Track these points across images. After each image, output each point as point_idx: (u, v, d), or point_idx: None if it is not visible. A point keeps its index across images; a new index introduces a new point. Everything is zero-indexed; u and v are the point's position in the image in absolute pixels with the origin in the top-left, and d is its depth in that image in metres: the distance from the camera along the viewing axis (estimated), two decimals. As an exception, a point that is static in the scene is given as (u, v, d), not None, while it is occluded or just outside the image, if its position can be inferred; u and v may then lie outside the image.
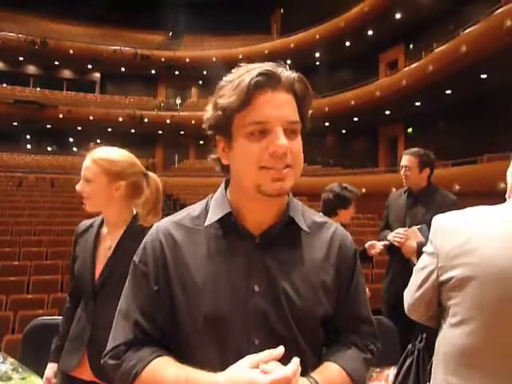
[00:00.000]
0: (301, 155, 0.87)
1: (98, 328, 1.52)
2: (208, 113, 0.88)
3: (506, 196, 1.19)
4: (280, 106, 0.83)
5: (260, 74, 0.82)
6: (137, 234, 1.57)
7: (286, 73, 0.86)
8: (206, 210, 0.95)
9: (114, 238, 1.61)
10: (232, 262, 0.89)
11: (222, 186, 0.96)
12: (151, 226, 1.62)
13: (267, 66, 0.85)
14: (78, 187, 1.60)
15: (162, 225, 0.95)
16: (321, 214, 1.04)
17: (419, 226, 2.45)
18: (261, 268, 0.88)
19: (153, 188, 1.64)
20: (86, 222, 1.72)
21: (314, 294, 0.90)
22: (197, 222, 0.93)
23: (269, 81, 0.83)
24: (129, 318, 0.90)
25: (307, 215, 0.98)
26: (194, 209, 0.97)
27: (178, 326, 0.89)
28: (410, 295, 1.23)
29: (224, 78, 0.88)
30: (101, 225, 1.67)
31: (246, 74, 0.83)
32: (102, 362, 0.92)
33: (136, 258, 0.95)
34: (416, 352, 1.54)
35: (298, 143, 0.86)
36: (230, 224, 0.90)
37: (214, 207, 0.93)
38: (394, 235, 2.66)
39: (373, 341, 1.00)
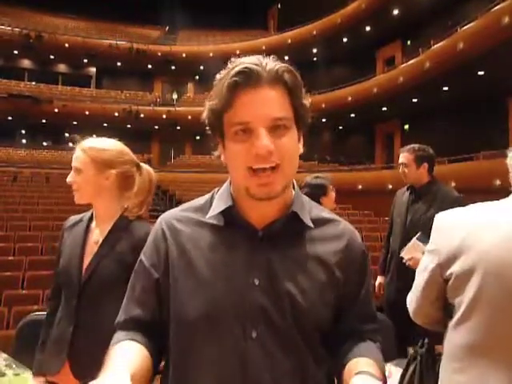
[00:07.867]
0: (292, 151, 0.84)
1: (80, 328, 1.45)
2: (204, 112, 0.88)
3: None
4: (262, 104, 0.80)
5: (238, 73, 0.80)
6: (123, 229, 1.53)
7: (270, 65, 0.82)
8: (210, 202, 0.95)
9: (101, 233, 1.55)
10: (233, 254, 0.88)
11: (229, 180, 0.95)
12: (137, 219, 1.58)
13: (249, 61, 0.82)
14: (68, 178, 1.54)
15: (166, 216, 0.97)
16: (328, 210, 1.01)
17: (417, 236, 2.42)
18: (262, 262, 0.87)
19: (145, 177, 1.58)
20: (74, 217, 1.65)
21: (315, 290, 0.87)
22: (200, 213, 0.94)
23: (248, 79, 0.80)
24: (126, 303, 0.95)
25: (315, 211, 0.96)
26: (199, 201, 0.98)
27: (177, 315, 0.88)
28: (414, 298, 1.22)
29: (217, 75, 0.85)
30: (90, 219, 1.60)
31: (229, 72, 0.82)
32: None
33: (142, 252, 0.97)
34: (419, 358, 1.51)
35: (287, 140, 0.82)
36: (232, 217, 0.90)
37: (218, 200, 0.92)
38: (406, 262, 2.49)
39: (378, 337, 0.99)
